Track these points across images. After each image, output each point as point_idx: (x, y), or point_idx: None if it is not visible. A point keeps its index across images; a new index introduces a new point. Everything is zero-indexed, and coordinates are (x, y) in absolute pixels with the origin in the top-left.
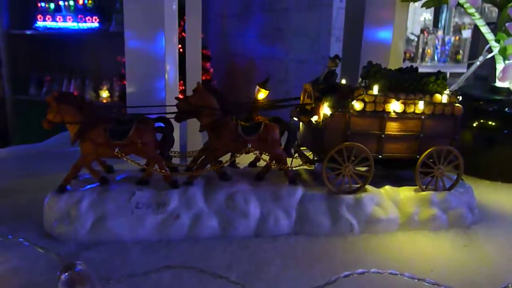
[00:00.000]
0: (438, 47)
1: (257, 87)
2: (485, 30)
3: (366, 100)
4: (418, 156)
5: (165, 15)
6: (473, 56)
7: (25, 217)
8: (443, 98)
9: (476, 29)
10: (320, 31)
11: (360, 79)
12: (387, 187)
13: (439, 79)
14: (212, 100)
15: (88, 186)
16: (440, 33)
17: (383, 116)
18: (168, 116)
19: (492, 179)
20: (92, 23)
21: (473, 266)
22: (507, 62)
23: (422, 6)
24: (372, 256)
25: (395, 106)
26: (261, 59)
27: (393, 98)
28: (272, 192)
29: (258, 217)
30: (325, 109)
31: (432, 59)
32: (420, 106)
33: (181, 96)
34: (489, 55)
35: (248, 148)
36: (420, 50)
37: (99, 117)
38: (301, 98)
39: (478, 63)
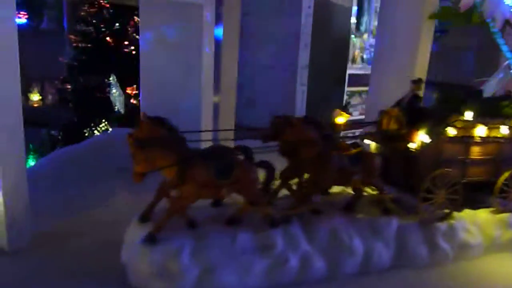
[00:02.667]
0: (365, 50)
1: (337, 111)
2: (505, 49)
3: (458, 126)
4: (495, 179)
5: None
6: None
7: (99, 270)
8: None
9: None
10: (288, 37)
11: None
12: (466, 210)
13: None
14: (312, 132)
15: (182, 233)
16: (365, 36)
17: (468, 141)
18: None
19: None
20: (19, 19)
21: None
22: None
23: (453, 25)
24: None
25: (480, 131)
26: None
27: (482, 123)
28: (370, 224)
29: (362, 253)
30: (422, 136)
31: (362, 61)
32: (503, 130)
33: None
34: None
35: (354, 180)
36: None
37: (195, 152)
38: (384, 123)
39: (498, 78)
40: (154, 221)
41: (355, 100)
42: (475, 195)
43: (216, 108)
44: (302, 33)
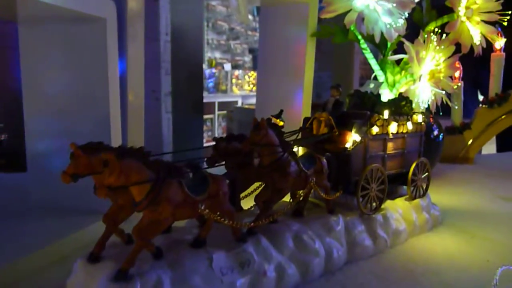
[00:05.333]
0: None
1: (272, 118)
2: (372, 62)
3: (378, 124)
4: (404, 170)
5: None
6: None
7: None
8: (419, 118)
9: None
10: (148, 64)
11: (347, 103)
12: (388, 201)
13: (407, 103)
14: (275, 136)
15: (152, 264)
16: (204, 66)
17: (385, 138)
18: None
19: None
20: None
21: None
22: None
23: (333, 41)
24: (420, 261)
25: (392, 128)
26: None
27: (394, 120)
28: (322, 224)
29: (324, 253)
30: (354, 136)
31: (204, 90)
32: (409, 126)
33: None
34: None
35: (311, 183)
36: None
37: (169, 168)
38: (314, 128)
39: (368, 90)
40: (110, 258)
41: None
42: (391, 186)
43: (124, 134)
44: (162, 61)
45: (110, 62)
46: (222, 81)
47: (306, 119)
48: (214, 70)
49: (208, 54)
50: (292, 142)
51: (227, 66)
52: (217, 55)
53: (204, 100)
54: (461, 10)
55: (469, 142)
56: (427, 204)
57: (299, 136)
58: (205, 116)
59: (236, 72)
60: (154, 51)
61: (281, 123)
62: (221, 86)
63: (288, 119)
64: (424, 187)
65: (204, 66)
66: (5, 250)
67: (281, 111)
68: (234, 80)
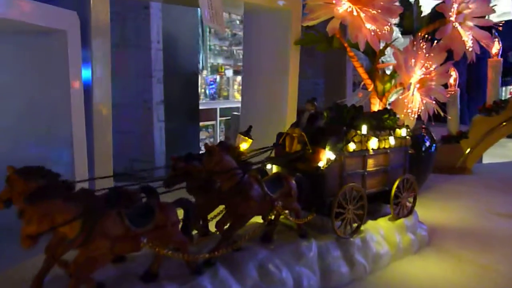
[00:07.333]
0: (207, 85)
1: (240, 136)
2: (361, 71)
3: (355, 140)
4: (387, 188)
5: None
6: None
7: None
8: (403, 132)
9: None
10: (139, 72)
11: (325, 118)
12: (369, 221)
13: (391, 115)
14: (231, 160)
15: None
16: (204, 72)
17: (364, 154)
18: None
19: None
20: None
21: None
22: None
23: (317, 49)
24: None
25: (373, 144)
26: None
27: (374, 136)
28: (292, 251)
29: (293, 283)
30: (328, 154)
31: (205, 96)
32: (391, 141)
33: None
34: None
35: (277, 207)
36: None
37: (103, 199)
38: (287, 145)
39: (357, 99)
40: None
41: (203, 135)
42: (372, 206)
43: (90, 148)
44: (154, 70)
45: (72, 76)
46: (224, 87)
47: (279, 135)
48: (215, 76)
49: (211, 60)
50: (251, 164)
51: (229, 72)
52: (220, 61)
53: (205, 107)
54: (453, 15)
55: (467, 152)
56: (413, 223)
57: (273, 153)
58: (207, 123)
59: (238, 78)
60: (145, 60)
61: (249, 141)
62: (223, 92)
63: (274, 129)
64: (410, 205)
65: (206, 72)
66: None
67: (250, 127)
68: (236, 86)
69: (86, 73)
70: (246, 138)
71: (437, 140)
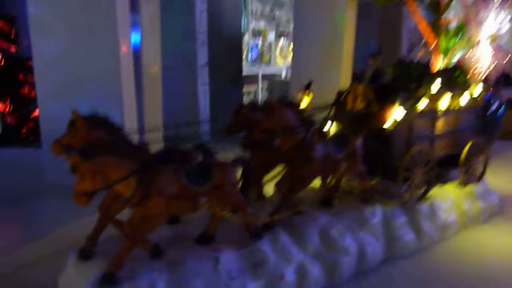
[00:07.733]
0: (249, 50)
1: (300, 92)
2: (423, 26)
3: (425, 99)
4: (457, 152)
5: None
6: None
7: None
8: (478, 89)
9: None
10: (183, 35)
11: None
12: (437, 187)
13: (462, 73)
14: (293, 117)
15: (148, 264)
16: (245, 37)
17: (434, 115)
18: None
19: None
20: None
21: None
22: None
23: (375, 4)
24: (469, 262)
25: (444, 103)
26: None
27: (448, 92)
28: (355, 216)
29: (356, 251)
30: (397, 112)
31: (247, 61)
32: (463, 100)
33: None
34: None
35: (341, 169)
36: None
37: (158, 156)
38: (349, 102)
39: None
40: (104, 255)
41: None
42: (440, 169)
43: (139, 108)
44: (198, 32)
45: (122, 39)
46: (265, 51)
47: (339, 93)
48: (257, 41)
49: (252, 24)
50: (318, 120)
51: (271, 36)
52: (262, 24)
53: (247, 72)
54: None
55: None
56: (483, 190)
57: (332, 112)
58: (249, 88)
59: (280, 42)
60: (189, 22)
61: (310, 96)
62: (265, 57)
63: (325, 92)
64: (480, 171)
65: (248, 36)
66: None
67: (310, 82)
68: (278, 50)
69: (135, 37)
70: (308, 91)
71: None
